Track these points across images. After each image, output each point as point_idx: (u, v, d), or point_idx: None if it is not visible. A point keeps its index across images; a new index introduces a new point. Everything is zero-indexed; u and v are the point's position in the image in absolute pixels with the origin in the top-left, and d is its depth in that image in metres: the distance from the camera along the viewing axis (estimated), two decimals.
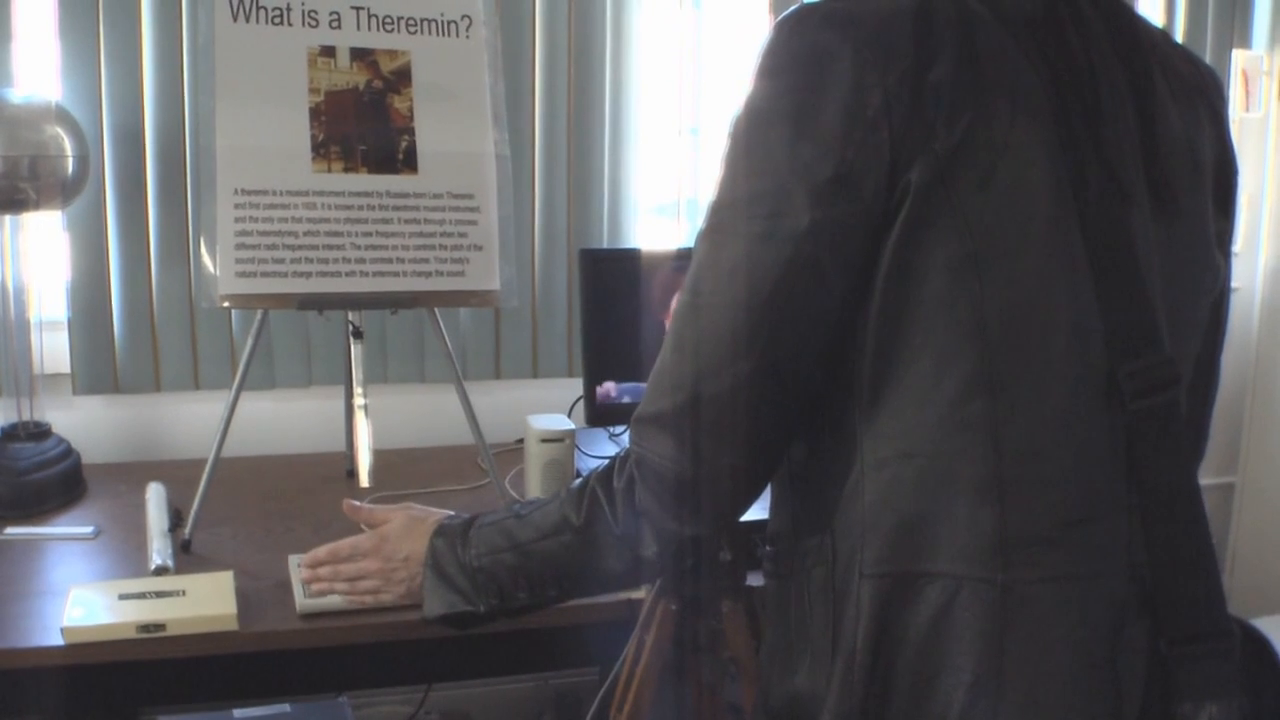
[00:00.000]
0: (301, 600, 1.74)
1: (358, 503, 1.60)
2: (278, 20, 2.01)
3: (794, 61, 1.06)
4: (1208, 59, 3.18)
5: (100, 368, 2.47)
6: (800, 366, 1.09)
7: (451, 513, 1.46)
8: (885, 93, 1.02)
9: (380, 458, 2.05)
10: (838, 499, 1.10)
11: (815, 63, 1.04)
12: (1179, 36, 3.16)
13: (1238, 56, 3.24)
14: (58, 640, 1.64)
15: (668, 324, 1.15)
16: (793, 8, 1.10)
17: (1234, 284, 3.26)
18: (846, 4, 1.07)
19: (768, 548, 1.23)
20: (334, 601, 1.72)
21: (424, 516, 1.47)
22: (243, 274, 1.93)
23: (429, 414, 2.60)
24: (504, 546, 1.33)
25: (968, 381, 1.04)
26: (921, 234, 1.03)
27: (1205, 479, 1.14)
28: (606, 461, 1.26)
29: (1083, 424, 1.06)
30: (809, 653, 1.14)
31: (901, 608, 1.06)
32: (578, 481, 1.29)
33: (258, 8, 2.00)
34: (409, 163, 2.04)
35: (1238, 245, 3.32)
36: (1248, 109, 3.27)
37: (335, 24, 2.04)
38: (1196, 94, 1.18)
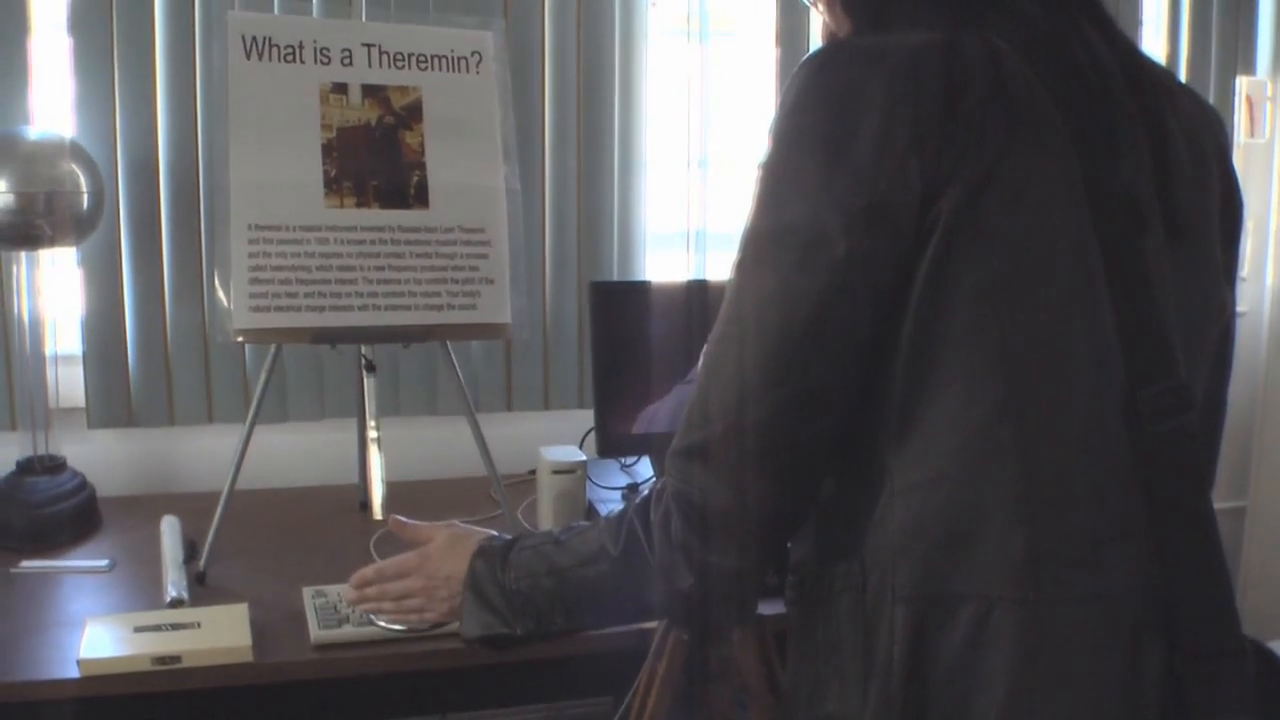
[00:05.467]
0: (316, 631, 1.75)
1: (405, 519, 1.61)
2: (290, 58, 2.03)
3: (825, 96, 1.08)
4: (1212, 85, 3.20)
5: (115, 401, 2.48)
6: (835, 395, 1.10)
7: (494, 533, 1.47)
8: (915, 124, 1.03)
9: (393, 489, 2.06)
10: (866, 525, 1.11)
11: (846, 96, 1.06)
12: (1184, 63, 3.18)
13: (1242, 82, 3.26)
14: (74, 672, 1.65)
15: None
16: (822, 45, 1.12)
17: (1242, 308, 3.30)
18: (874, 40, 1.09)
19: (790, 576, 1.24)
20: (348, 632, 1.73)
21: (466, 535, 1.48)
22: (256, 308, 1.94)
23: (441, 446, 2.60)
24: (542, 571, 1.34)
25: (996, 406, 1.05)
26: (951, 262, 1.04)
27: (1216, 503, 1.15)
28: (646, 492, 1.27)
29: (1104, 447, 1.07)
30: (838, 679, 1.14)
31: (936, 629, 1.07)
32: (617, 510, 1.30)
33: (270, 46, 2.02)
34: (420, 197, 2.06)
35: (1244, 270, 3.33)
36: (1252, 134, 3.28)
37: (347, 61, 2.06)
38: (1202, 129, 1.20)
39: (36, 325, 2.27)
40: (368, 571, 1.56)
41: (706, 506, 1.14)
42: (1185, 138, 1.17)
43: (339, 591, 1.82)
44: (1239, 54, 3.26)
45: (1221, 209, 1.21)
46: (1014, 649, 1.05)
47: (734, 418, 1.11)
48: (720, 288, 1.15)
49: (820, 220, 1.06)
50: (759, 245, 1.11)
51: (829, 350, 1.08)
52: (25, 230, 2.14)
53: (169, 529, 2.10)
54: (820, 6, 1.25)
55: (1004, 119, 1.05)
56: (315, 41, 2.05)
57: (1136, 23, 3.10)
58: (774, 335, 1.09)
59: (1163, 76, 1.21)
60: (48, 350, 2.32)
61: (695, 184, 2.83)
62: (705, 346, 1.15)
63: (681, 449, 1.16)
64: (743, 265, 1.12)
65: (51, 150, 2.20)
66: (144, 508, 2.34)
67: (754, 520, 1.16)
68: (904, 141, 1.03)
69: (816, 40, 1.29)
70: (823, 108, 1.08)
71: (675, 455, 1.17)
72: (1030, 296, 1.05)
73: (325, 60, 2.05)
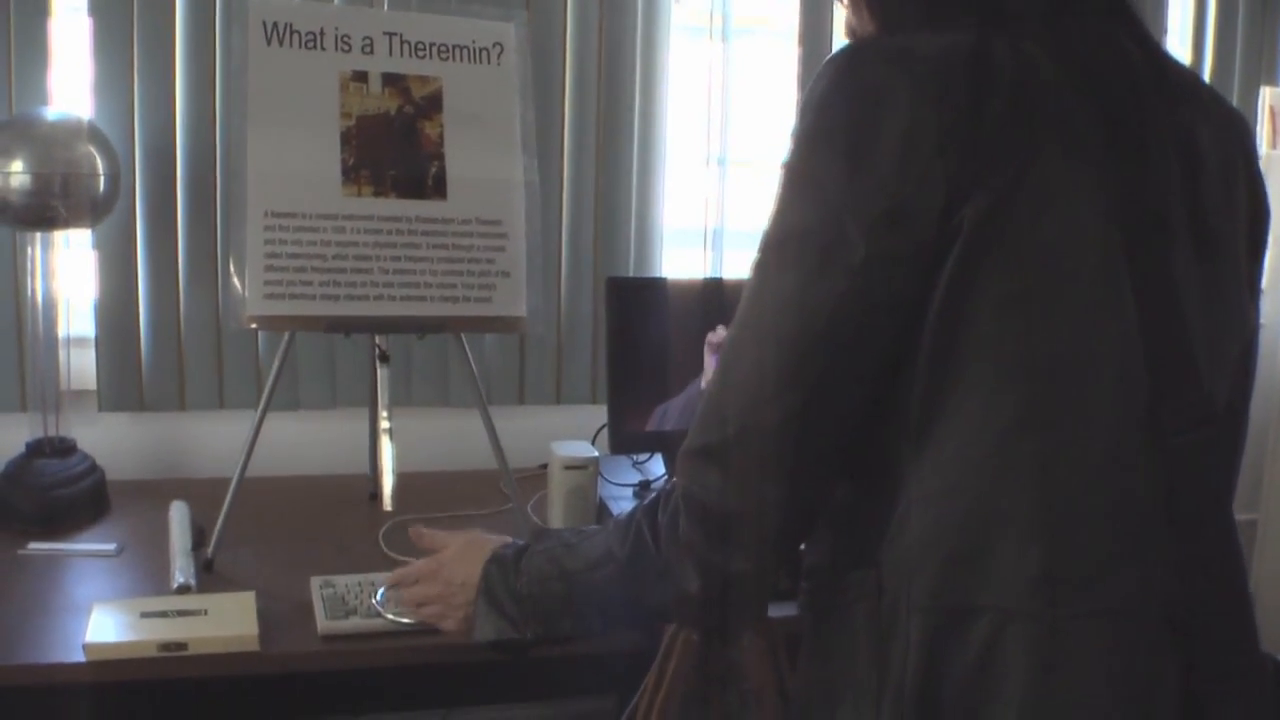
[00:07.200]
0: (323, 622, 1.74)
1: (424, 529, 1.61)
2: (311, 45, 2.02)
3: (850, 97, 1.06)
4: (1235, 96, 3.18)
5: (126, 385, 2.48)
6: (850, 401, 1.09)
7: (509, 538, 1.47)
8: (941, 129, 1.02)
9: (403, 480, 2.05)
10: (883, 533, 1.10)
11: (871, 98, 1.05)
12: (1207, 73, 3.17)
13: (1265, 93, 3.23)
14: (79, 657, 1.64)
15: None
16: (847, 44, 1.11)
17: (1262, 320, 3.28)
18: (902, 41, 1.08)
19: (804, 582, 1.23)
20: (355, 623, 1.73)
21: (482, 541, 1.49)
22: (271, 295, 1.94)
23: (452, 438, 2.59)
24: (552, 575, 1.34)
25: (1016, 418, 1.04)
26: (973, 270, 1.03)
27: None
28: (653, 494, 1.26)
29: (1126, 461, 1.06)
30: (851, 687, 1.13)
31: (950, 641, 1.06)
32: (626, 513, 1.30)
33: (291, 32, 2.01)
34: (438, 188, 2.05)
35: (1264, 281, 3.30)
36: (1275, 146, 3.26)
37: (368, 49, 2.05)
38: (1231, 137, 1.19)
39: (50, 307, 2.27)
40: (391, 577, 1.58)
41: (716, 508, 1.14)
42: (1214, 146, 1.15)
43: (347, 582, 1.82)
44: (1263, 65, 3.24)
45: (1248, 219, 1.20)
46: (1028, 664, 1.04)
47: (749, 420, 1.10)
48: (737, 286, 1.15)
49: (840, 224, 1.04)
50: (779, 247, 1.10)
51: (845, 356, 1.07)
52: (41, 211, 2.14)
53: (177, 515, 2.09)
54: (845, 4, 1.24)
55: (1031, 125, 1.04)
56: (336, 29, 2.04)
57: (1161, 31, 3.09)
58: (791, 338, 1.08)
59: (1191, 81, 1.20)
60: (60, 332, 2.31)
61: (714, 182, 2.82)
62: (720, 344, 1.14)
63: (693, 449, 1.15)
64: (762, 266, 1.11)
65: (69, 132, 2.19)
66: (153, 492, 2.34)
67: (764, 523, 1.15)
68: (928, 145, 1.02)
69: (839, 38, 1.27)
70: (846, 109, 1.06)
71: (687, 456, 1.16)
72: (1054, 308, 1.04)
73: (346, 48, 2.04)
